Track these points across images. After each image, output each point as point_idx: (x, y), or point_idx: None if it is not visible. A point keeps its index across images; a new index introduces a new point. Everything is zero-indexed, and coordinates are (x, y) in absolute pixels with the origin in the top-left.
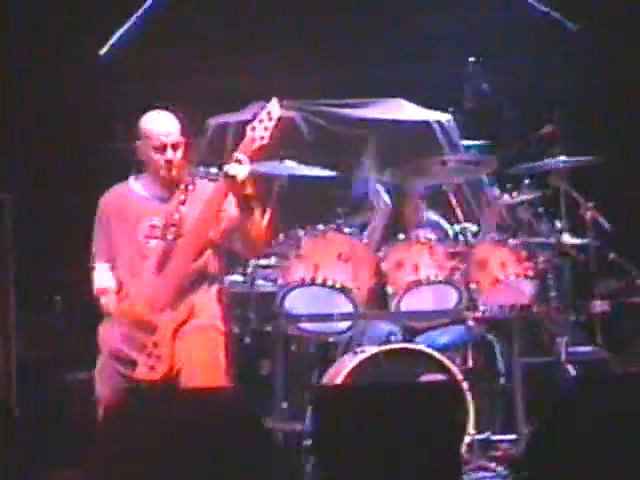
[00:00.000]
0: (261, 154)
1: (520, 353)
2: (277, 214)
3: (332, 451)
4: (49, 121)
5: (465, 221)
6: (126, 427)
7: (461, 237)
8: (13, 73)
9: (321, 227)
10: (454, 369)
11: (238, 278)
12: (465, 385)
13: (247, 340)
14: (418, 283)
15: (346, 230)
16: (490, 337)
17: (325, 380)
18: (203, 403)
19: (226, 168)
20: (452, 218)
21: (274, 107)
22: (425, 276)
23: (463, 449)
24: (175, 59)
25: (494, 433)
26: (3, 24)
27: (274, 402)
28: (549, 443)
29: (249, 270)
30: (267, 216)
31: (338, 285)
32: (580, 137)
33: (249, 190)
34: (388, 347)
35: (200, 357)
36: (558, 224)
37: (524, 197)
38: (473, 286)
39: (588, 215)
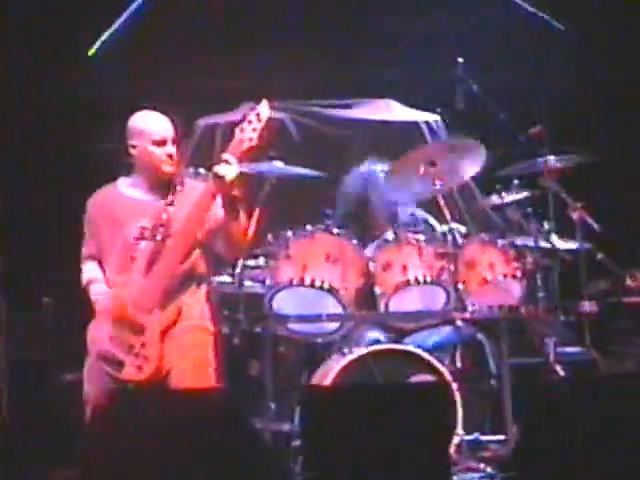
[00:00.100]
0: (250, 155)
1: (508, 353)
2: (265, 215)
3: (321, 451)
4: (35, 120)
5: (453, 221)
6: (114, 428)
7: (449, 237)
8: (5, 73)
9: (309, 228)
10: (443, 370)
11: (226, 279)
12: (454, 386)
13: (236, 341)
14: (407, 284)
15: (334, 231)
16: (479, 338)
17: (314, 381)
18: (192, 403)
19: (215, 169)
20: (441, 219)
21: (263, 108)
22: (413, 277)
23: (452, 449)
24: (164, 60)
25: (483, 434)
26: None
27: (263, 402)
28: (538, 443)
29: (237, 271)
30: (255, 218)
31: (326, 286)
32: (569, 137)
33: (236, 192)
34: (377, 348)
35: (189, 358)
36: (546, 225)
37: (513, 197)
38: (461, 286)
39: (576, 215)
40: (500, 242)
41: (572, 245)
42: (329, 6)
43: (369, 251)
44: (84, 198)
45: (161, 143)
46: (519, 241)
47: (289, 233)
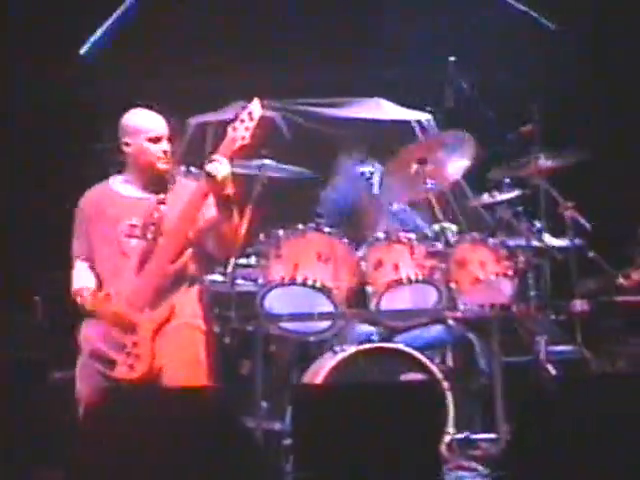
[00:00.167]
0: (242, 154)
1: (500, 352)
2: (257, 214)
3: (312, 450)
4: (24, 119)
5: (444, 220)
6: (106, 426)
7: (441, 236)
8: None
9: (301, 226)
10: (434, 368)
11: (218, 277)
12: (445, 384)
13: (227, 340)
14: (398, 282)
15: (326, 230)
16: (470, 336)
17: (305, 379)
18: (183, 402)
19: (207, 168)
20: (432, 217)
21: (255, 107)
22: (405, 275)
23: (443, 448)
24: (155, 59)
25: (474, 432)
26: None
27: (254, 401)
28: (529, 442)
29: (229, 269)
30: (247, 216)
31: (318, 284)
32: (560, 136)
33: (229, 190)
34: (368, 346)
35: (181, 356)
36: (538, 224)
37: (504, 196)
38: (453, 285)
39: (567, 214)
40: (491, 241)
41: (563, 242)
42: (321, 6)
43: (361, 250)
44: (76, 196)
45: (156, 140)
46: (510, 240)
47: (280, 232)
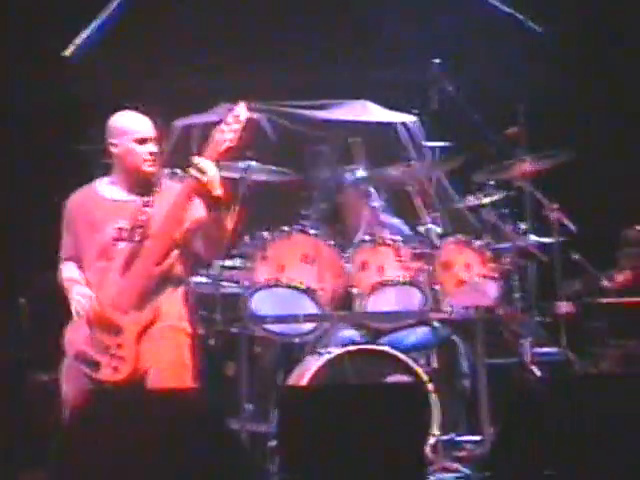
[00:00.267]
0: (228, 156)
1: (484, 354)
2: (242, 215)
3: (297, 452)
4: (8, 120)
5: (430, 223)
6: (92, 428)
7: (426, 238)
8: None
9: (286, 228)
10: (419, 370)
11: (203, 279)
12: (430, 386)
13: (212, 341)
14: (383, 284)
15: (311, 231)
16: (455, 338)
17: (290, 381)
18: (169, 404)
19: (192, 170)
20: (417, 220)
21: (242, 110)
22: (390, 277)
23: (428, 449)
24: (141, 61)
25: (459, 434)
26: None
27: (239, 403)
28: (513, 444)
29: (214, 271)
30: (234, 217)
31: (303, 286)
32: (545, 138)
33: (219, 192)
34: (353, 348)
35: (166, 358)
36: (523, 225)
37: (489, 198)
38: (438, 287)
39: (553, 216)
40: (477, 243)
41: (548, 240)
42: (307, 7)
43: (346, 252)
44: (62, 198)
45: (143, 142)
46: (496, 242)
47: (266, 234)
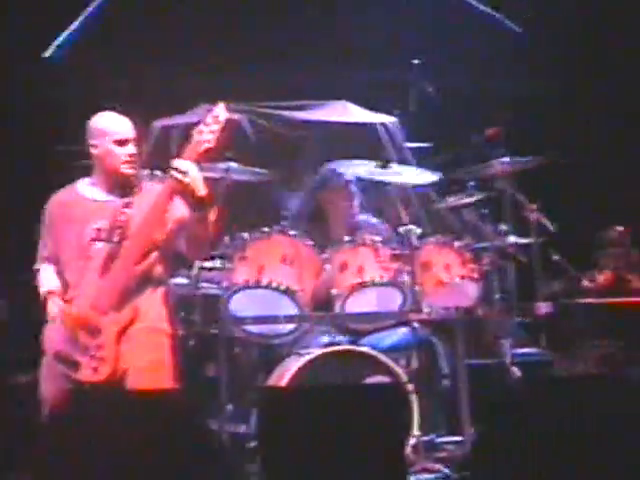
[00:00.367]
0: (207, 157)
1: (464, 355)
2: (222, 216)
3: (277, 453)
4: None
5: (409, 223)
6: (71, 428)
7: (406, 239)
8: None
9: (265, 229)
10: (399, 371)
11: (183, 280)
12: (410, 387)
13: (192, 342)
14: (363, 285)
15: (290, 232)
16: (434, 339)
17: (270, 382)
18: (148, 405)
19: (172, 171)
20: (397, 220)
21: (221, 110)
22: (369, 278)
23: (408, 450)
24: (121, 62)
25: (439, 435)
26: None
27: (219, 404)
28: (493, 444)
29: (194, 272)
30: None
31: (283, 287)
32: (524, 138)
33: (202, 192)
34: (333, 349)
35: (146, 359)
36: (503, 226)
37: (469, 199)
38: (417, 288)
39: (532, 217)
40: (457, 244)
41: (528, 240)
42: (288, 8)
43: (326, 253)
44: (42, 198)
45: (122, 143)
46: (476, 243)
47: (245, 235)
